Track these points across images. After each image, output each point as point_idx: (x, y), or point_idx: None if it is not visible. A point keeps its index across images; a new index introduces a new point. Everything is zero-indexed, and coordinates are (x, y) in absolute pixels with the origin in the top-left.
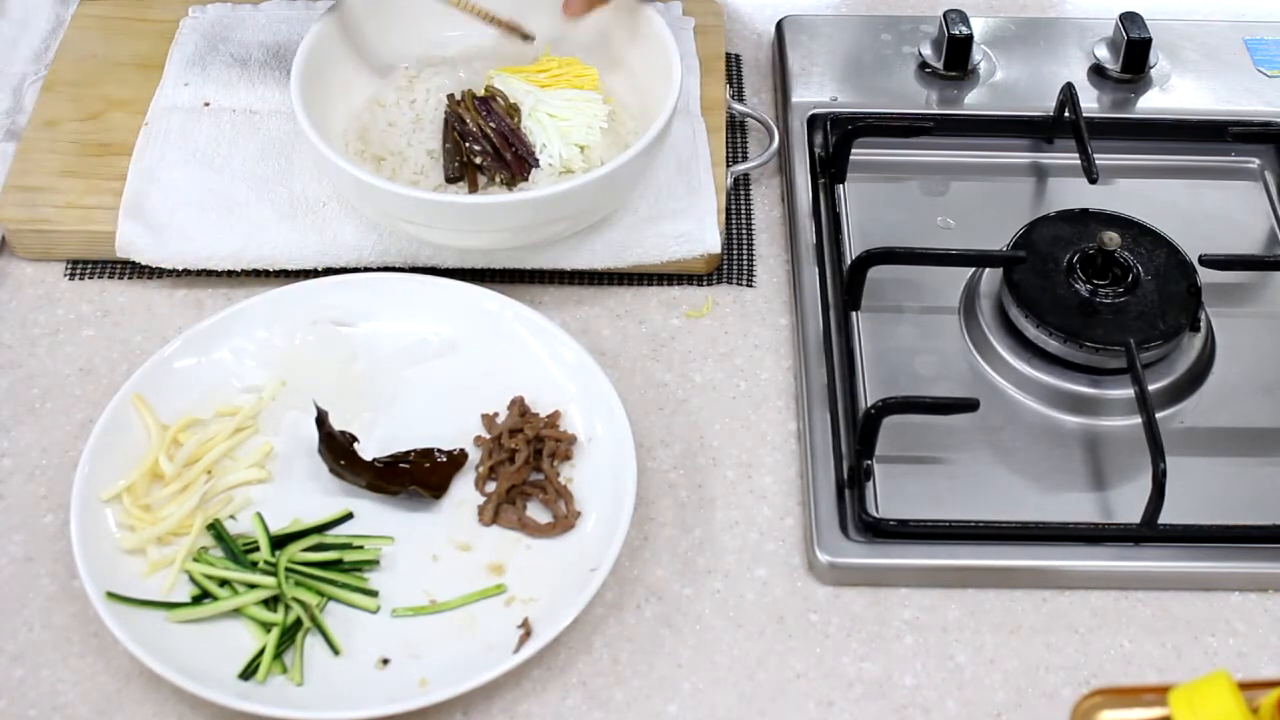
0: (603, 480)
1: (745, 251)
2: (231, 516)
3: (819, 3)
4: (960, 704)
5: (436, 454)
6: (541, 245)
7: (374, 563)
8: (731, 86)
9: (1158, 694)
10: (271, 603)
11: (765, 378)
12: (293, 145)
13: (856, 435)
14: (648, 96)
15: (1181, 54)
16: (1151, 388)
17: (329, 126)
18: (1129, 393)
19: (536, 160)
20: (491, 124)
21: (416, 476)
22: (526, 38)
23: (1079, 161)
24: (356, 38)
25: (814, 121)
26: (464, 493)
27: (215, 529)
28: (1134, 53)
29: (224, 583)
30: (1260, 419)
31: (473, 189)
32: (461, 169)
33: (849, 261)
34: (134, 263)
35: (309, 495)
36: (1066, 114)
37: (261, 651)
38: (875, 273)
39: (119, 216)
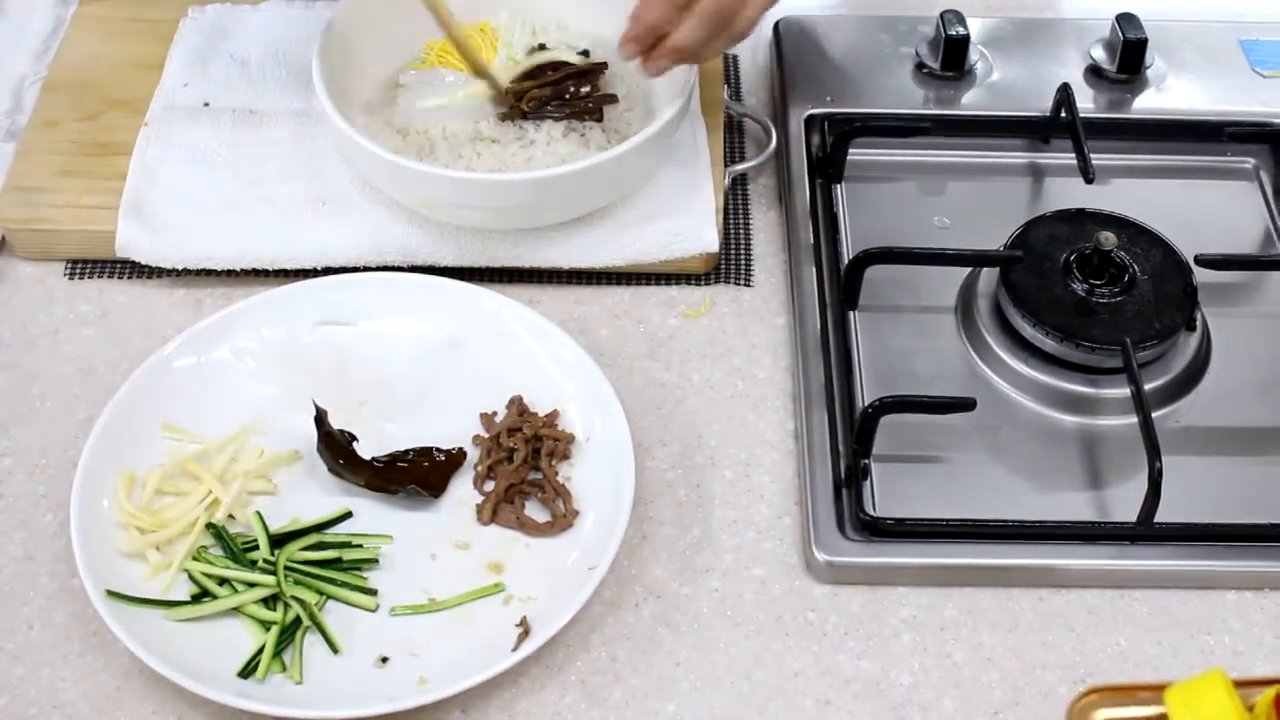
0: (601, 479)
1: (743, 251)
2: (231, 516)
3: (816, 3)
4: (957, 702)
5: (435, 453)
6: (542, 230)
7: (373, 561)
8: (729, 87)
9: (1154, 692)
10: (271, 601)
11: (763, 377)
12: (293, 145)
13: (854, 434)
14: (651, 95)
15: (1178, 54)
16: (1147, 387)
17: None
18: (1125, 392)
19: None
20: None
21: (415, 475)
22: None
23: (1075, 162)
24: (378, 23)
25: (811, 122)
26: (463, 492)
27: (214, 528)
28: (1130, 53)
29: (223, 581)
30: (1256, 418)
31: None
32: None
33: (846, 261)
34: (134, 262)
35: (308, 494)
36: (1063, 114)
37: (261, 650)
38: (872, 272)
39: (119, 216)
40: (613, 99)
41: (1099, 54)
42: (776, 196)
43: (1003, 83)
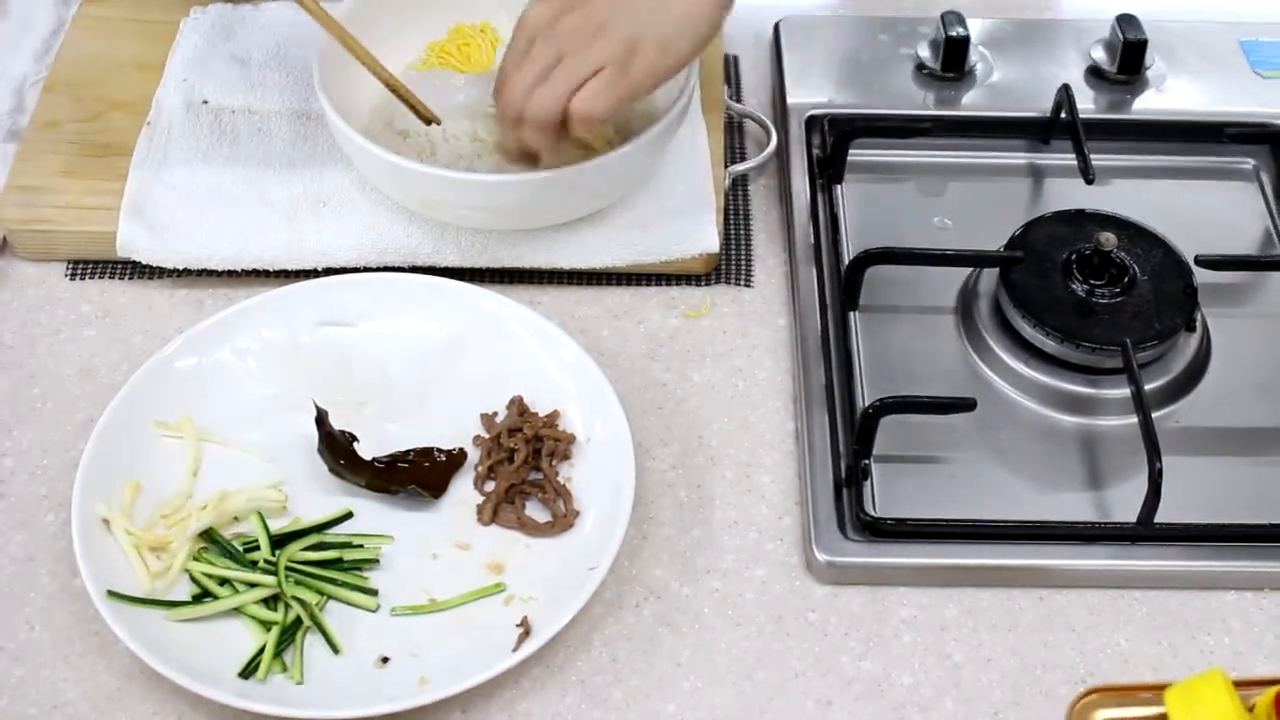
0: (601, 479)
1: (743, 252)
2: (234, 518)
3: (817, 4)
4: (957, 702)
5: (436, 453)
6: (543, 230)
7: (374, 562)
8: (729, 87)
9: (1154, 692)
10: (271, 601)
11: (763, 378)
12: (293, 144)
13: (854, 435)
14: (651, 95)
15: (1178, 55)
16: (1148, 387)
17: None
18: (1125, 392)
19: None
20: None
21: (416, 476)
22: (427, 121)
23: (1075, 162)
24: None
25: (812, 122)
26: (463, 492)
27: (209, 534)
28: (1130, 54)
29: (224, 582)
30: (1255, 418)
31: None
32: None
33: (847, 262)
34: (134, 263)
35: (309, 495)
36: (1063, 115)
37: (261, 650)
38: (873, 273)
39: (120, 216)
40: None
41: (1099, 55)
42: (777, 197)
43: (1003, 83)
